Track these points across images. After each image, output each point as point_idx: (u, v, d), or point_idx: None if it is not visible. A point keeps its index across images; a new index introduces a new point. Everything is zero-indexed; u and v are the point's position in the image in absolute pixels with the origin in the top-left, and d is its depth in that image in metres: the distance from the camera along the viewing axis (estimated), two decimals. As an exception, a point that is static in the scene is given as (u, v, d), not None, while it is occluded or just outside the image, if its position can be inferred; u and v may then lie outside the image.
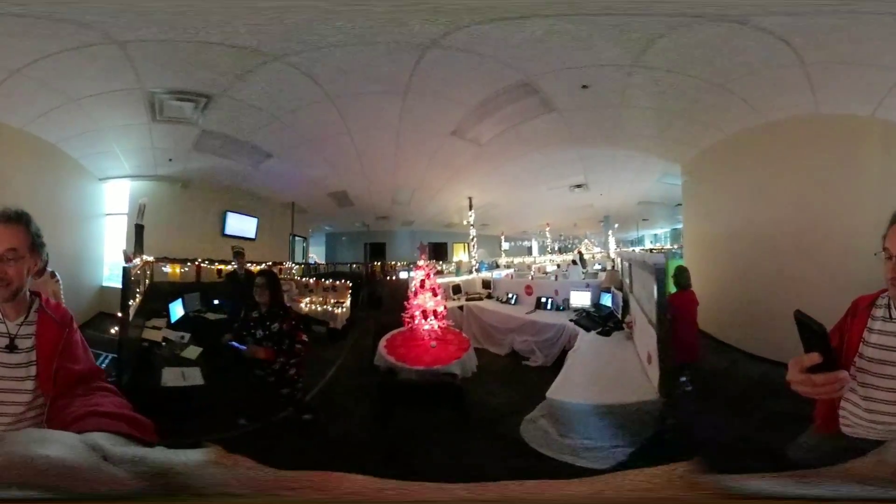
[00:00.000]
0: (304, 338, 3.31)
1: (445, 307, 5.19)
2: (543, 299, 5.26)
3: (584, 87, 3.87)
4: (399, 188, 6.89)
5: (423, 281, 5.15)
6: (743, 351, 4.16)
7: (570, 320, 4.56)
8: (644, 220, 7.41)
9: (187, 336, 3.80)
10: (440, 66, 3.60)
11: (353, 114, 4.58)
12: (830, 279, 3.26)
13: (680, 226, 6.51)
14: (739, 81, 3.64)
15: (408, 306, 5.11)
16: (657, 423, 2.71)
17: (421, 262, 5.30)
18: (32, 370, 1.27)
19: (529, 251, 8.34)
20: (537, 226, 8.12)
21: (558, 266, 7.07)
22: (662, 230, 7.35)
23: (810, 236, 3.64)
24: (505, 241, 7.92)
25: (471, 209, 6.92)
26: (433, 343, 4.74)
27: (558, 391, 3.09)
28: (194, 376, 3.24)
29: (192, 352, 3.55)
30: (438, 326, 4.98)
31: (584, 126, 4.70)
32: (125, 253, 3.89)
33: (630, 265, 4.25)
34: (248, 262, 5.59)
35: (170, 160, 4.95)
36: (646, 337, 3.25)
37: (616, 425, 2.77)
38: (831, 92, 3.51)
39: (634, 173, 6.06)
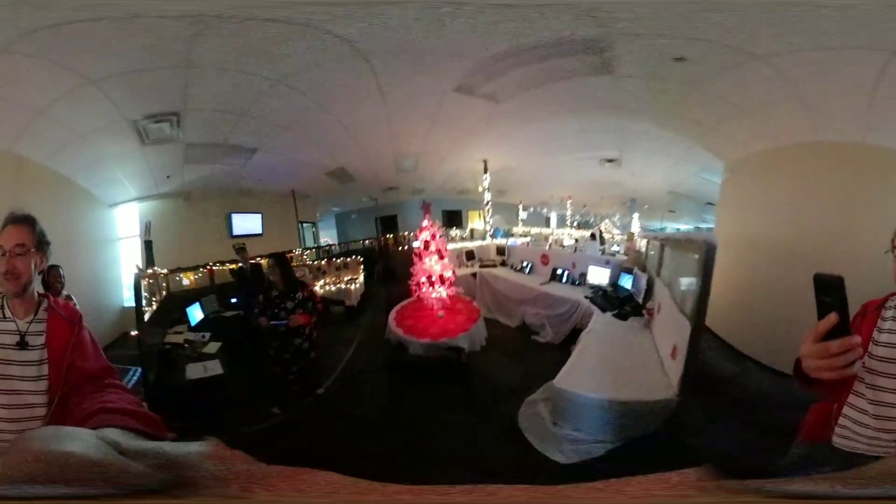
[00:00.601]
0: (319, 297, 3.74)
1: (454, 272, 5.00)
2: (559, 271, 5.01)
3: (679, 59, 3.38)
4: (401, 155, 6.57)
5: (426, 242, 4.92)
6: (755, 360, 3.92)
7: (586, 297, 4.33)
8: (671, 211, 7.00)
9: (208, 335, 4.08)
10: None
11: (318, 88, 4.36)
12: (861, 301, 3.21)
13: (704, 225, 6.25)
14: (813, 95, 3.46)
15: (413, 273, 5.00)
16: (666, 424, 2.52)
17: (425, 223, 5.04)
18: (45, 368, 1.29)
19: (547, 222, 8.08)
20: (558, 197, 7.75)
21: (576, 241, 6.86)
22: (686, 226, 6.89)
23: (843, 255, 3.34)
24: (523, 210, 7.66)
25: (486, 173, 6.60)
26: (440, 313, 4.59)
27: (566, 379, 2.93)
28: (215, 367, 3.52)
29: (213, 347, 3.84)
30: (447, 294, 4.80)
31: (638, 98, 4.16)
32: (137, 268, 4.12)
33: (662, 245, 3.98)
34: (256, 257, 5.85)
35: (168, 177, 5.15)
36: (672, 328, 2.99)
37: (618, 422, 2.62)
38: (886, 124, 3.38)
39: (674, 160, 5.55)
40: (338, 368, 4.27)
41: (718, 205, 5.19)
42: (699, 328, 2.56)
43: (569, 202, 7.53)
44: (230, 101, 4.23)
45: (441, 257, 4.99)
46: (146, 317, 3.98)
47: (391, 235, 8.05)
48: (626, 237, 6.48)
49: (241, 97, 4.19)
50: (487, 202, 6.78)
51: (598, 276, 4.66)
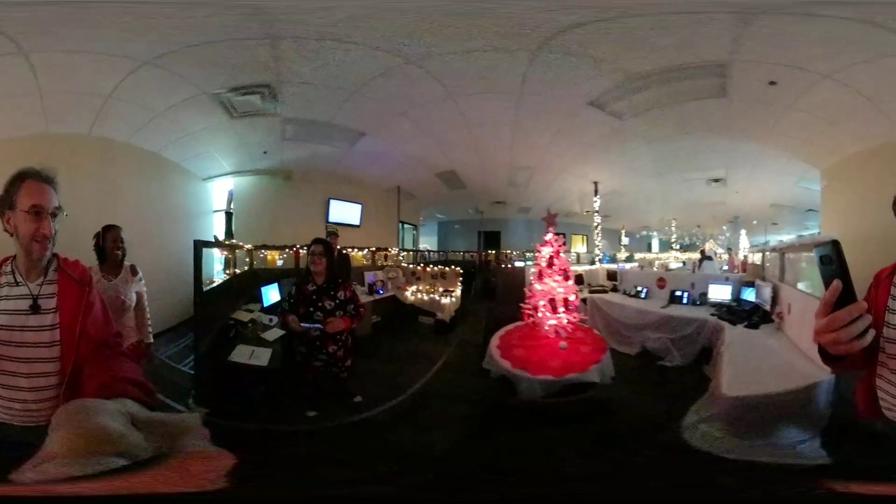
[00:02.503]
0: (361, 301, 3.20)
1: (577, 296, 4.16)
2: (678, 293, 4.95)
3: (772, 83, 3.80)
4: (516, 167, 6.24)
5: (550, 259, 4.10)
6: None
7: (712, 314, 4.28)
8: (773, 223, 7.30)
9: (276, 319, 3.65)
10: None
11: (453, 74, 3.88)
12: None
13: (806, 233, 6.68)
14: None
15: (528, 294, 4.14)
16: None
17: (549, 235, 4.21)
18: (57, 334, 1.24)
19: (649, 247, 8.10)
20: (660, 221, 7.83)
21: (683, 263, 6.89)
22: (788, 236, 7.10)
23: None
24: (625, 235, 7.66)
25: (596, 195, 6.53)
26: (563, 343, 3.69)
27: (734, 386, 2.80)
28: (261, 357, 3.18)
29: (272, 334, 3.46)
30: (568, 321, 3.90)
31: (747, 118, 4.49)
32: (215, 238, 3.75)
33: (782, 254, 4.24)
34: (351, 248, 5.29)
35: (264, 153, 4.96)
36: (808, 318, 2.73)
37: (800, 412, 2.55)
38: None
39: (775, 174, 5.82)
40: (410, 389, 3.45)
41: (821, 212, 5.46)
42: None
43: (673, 224, 7.63)
44: (337, 76, 3.83)
45: (566, 278, 4.11)
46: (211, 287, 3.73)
47: (493, 252, 7.63)
48: (728, 255, 6.60)
49: (353, 72, 3.76)
50: (597, 225, 6.72)
51: (720, 293, 4.75)
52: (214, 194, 5.17)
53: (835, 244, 0.85)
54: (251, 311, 3.78)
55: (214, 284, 3.75)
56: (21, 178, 1.24)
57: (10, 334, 1.22)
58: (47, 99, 3.57)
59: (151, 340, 2.70)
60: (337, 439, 2.82)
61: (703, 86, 3.92)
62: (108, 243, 2.58)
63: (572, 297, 4.00)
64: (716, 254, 6.76)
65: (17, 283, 1.26)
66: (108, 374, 1.08)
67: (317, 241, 3.03)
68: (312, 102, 4.14)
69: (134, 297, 2.59)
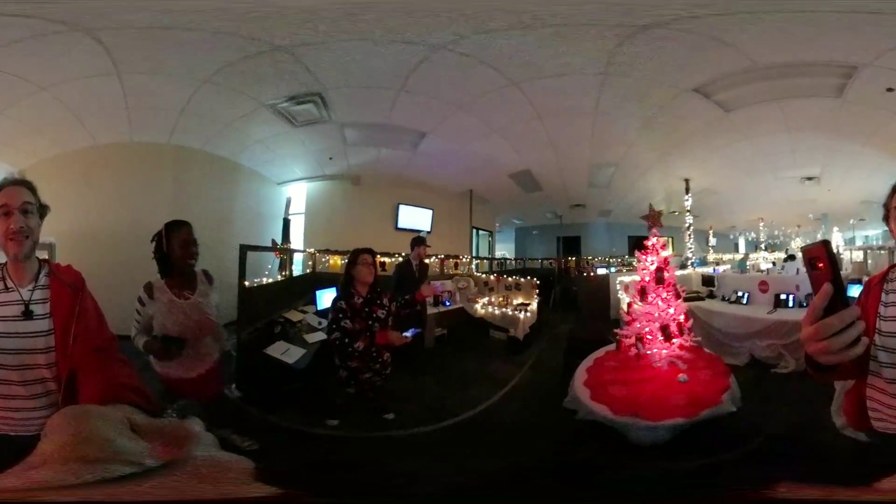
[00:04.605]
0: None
1: (686, 315, 3.44)
2: (783, 296, 4.68)
3: (889, 90, 3.72)
4: (597, 165, 5.70)
5: (659, 271, 3.34)
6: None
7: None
8: (861, 219, 7.11)
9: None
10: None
11: (511, 55, 3.46)
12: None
13: None
14: None
15: (628, 318, 3.39)
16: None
17: (652, 240, 3.46)
18: (52, 340, 1.23)
19: (736, 248, 7.86)
20: (747, 220, 7.57)
21: (773, 264, 6.57)
22: (874, 231, 7.09)
23: None
24: (713, 235, 7.31)
25: (687, 193, 6.12)
26: (683, 376, 2.97)
27: None
28: (294, 355, 3.19)
29: (315, 337, 3.50)
30: (680, 346, 3.18)
31: (856, 121, 4.32)
32: (273, 242, 4.02)
33: (891, 251, 4.36)
34: (432, 256, 5.01)
35: (330, 158, 4.97)
36: None
37: None
38: None
39: (870, 171, 5.49)
40: (464, 413, 3.05)
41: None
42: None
43: (761, 224, 7.40)
44: (378, 74, 3.68)
45: (677, 296, 3.34)
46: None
47: (573, 258, 7.10)
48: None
49: (392, 66, 3.56)
50: (689, 226, 6.29)
51: None
52: (293, 198, 5.37)
53: (825, 245, 0.79)
54: (305, 313, 3.84)
55: (261, 283, 3.79)
56: None
57: (3, 341, 1.20)
58: (133, 112, 3.89)
59: (229, 347, 2.65)
60: (354, 452, 2.64)
61: (821, 84, 3.80)
62: (177, 248, 2.02)
63: (682, 318, 3.26)
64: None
65: (7, 289, 1.26)
66: (106, 380, 1.08)
67: (365, 250, 2.90)
68: (362, 105, 4.11)
69: (215, 310, 2.17)
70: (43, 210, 1.32)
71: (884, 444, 1.19)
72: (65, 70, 3.34)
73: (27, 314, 1.23)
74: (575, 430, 2.67)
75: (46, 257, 1.36)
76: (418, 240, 4.17)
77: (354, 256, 2.86)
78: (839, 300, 0.77)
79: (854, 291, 4.38)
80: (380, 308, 2.83)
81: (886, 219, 1.31)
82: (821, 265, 0.79)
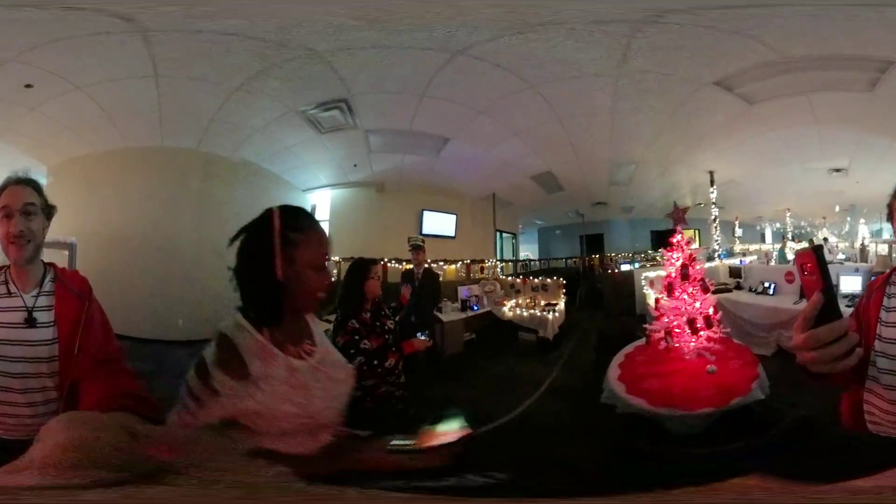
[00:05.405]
0: None
1: (715, 308, 3.52)
2: None
3: None
4: (618, 162, 5.74)
5: (684, 267, 3.42)
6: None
7: (847, 305, 3.79)
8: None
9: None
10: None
11: (526, 57, 3.50)
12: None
13: None
14: None
15: (657, 313, 3.48)
16: None
17: (677, 237, 3.55)
18: (55, 349, 1.17)
19: (762, 238, 7.73)
20: (774, 211, 7.38)
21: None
22: None
23: None
24: (739, 226, 7.23)
25: (712, 185, 6.14)
26: (711, 367, 3.07)
27: None
28: None
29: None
30: (708, 338, 3.25)
31: (887, 114, 4.21)
32: None
33: None
34: (443, 261, 5.05)
35: (355, 166, 5.03)
36: None
37: None
38: None
39: None
40: (499, 419, 3.02)
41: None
42: None
43: (787, 215, 7.26)
44: (403, 80, 3.74)
45: (705, 290, 3.41)
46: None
47: (596, 256, 7.12)
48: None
49: (415, 72, 3.62)
50: (715, 217, 6.30)
51: (851, 284, 4.59)
52: (318, 205, 5.38)
53: (815, 250, 0.77)
54: (328, 322, 3.79)
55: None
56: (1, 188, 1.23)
57: (5, 349, 1.14)
58: (164, 116, 3.98)
59: None
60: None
61: (852, 78, 3.73)
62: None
63: (710, 311, 3.30)
64: (826, 242, 6.49)
65: (9, 294, 1.19)
66: (108, 389, 1.06)
67: (375, 261, 2.63)
68: (386, 112, 4.16)
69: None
70: (49, 210, 1.26)
71: (881, 444, 1.15)
72: (105, 70, 3.36)
73: (30, 321, 1.17)
74: (623, 425, 2.67)
75: (53, 261, 1.29)
76: (414, 246, 4.15)
77: (364, 268, 2.51)
78: (830, 309, 0.74)
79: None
80: (387, 318, 2.58)
81: (890, 218, 1.31)
82: (811, 270, 0.76)
